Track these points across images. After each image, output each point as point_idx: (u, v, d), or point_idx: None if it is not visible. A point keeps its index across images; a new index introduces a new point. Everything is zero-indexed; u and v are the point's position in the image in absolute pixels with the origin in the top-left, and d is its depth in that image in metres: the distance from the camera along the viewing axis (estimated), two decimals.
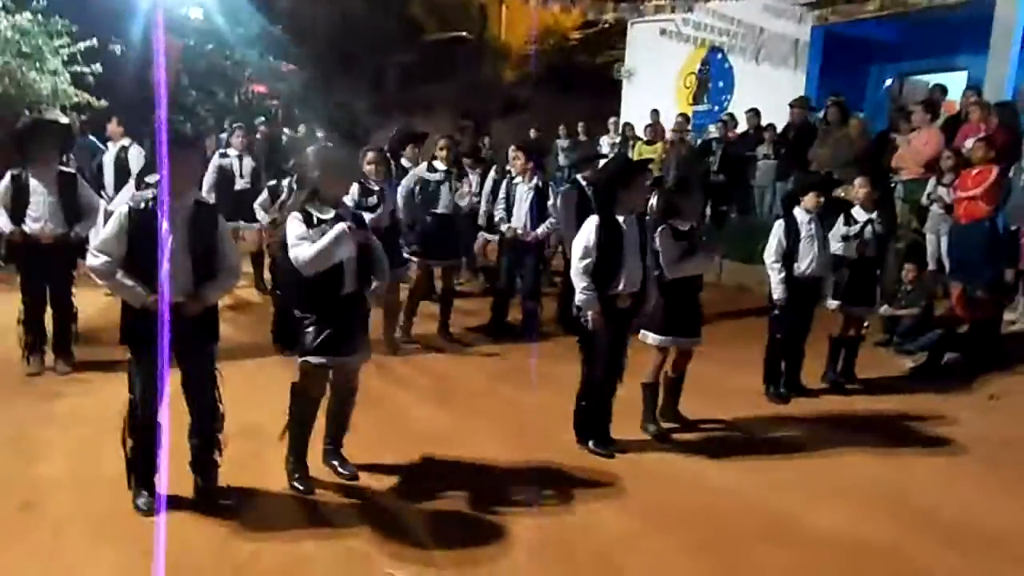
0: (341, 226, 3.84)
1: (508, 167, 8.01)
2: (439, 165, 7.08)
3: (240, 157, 8.76)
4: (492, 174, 8.95)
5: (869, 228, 6.09)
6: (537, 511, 4.01)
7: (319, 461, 4.29)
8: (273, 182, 6.89)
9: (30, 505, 3.85)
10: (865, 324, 6.58)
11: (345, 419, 4.36)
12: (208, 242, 3.82)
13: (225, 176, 8.63)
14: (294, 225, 3.91)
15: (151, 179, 6.46)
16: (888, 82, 13.45)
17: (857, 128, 9.35)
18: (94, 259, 3.68)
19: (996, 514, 4.18)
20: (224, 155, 8.77)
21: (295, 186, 4.05)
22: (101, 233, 3.77)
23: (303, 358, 4.00)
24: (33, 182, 5.67)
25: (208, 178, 8.46)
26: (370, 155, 6.44)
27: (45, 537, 3.58)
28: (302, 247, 3.84)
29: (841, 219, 6.15)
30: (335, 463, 4.33)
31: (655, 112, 13.26)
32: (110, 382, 5.43)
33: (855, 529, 3.95)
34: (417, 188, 6.96)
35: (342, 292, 3.97)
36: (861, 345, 6.51)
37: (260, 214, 6.77)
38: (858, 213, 6.17)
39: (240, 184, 8.62)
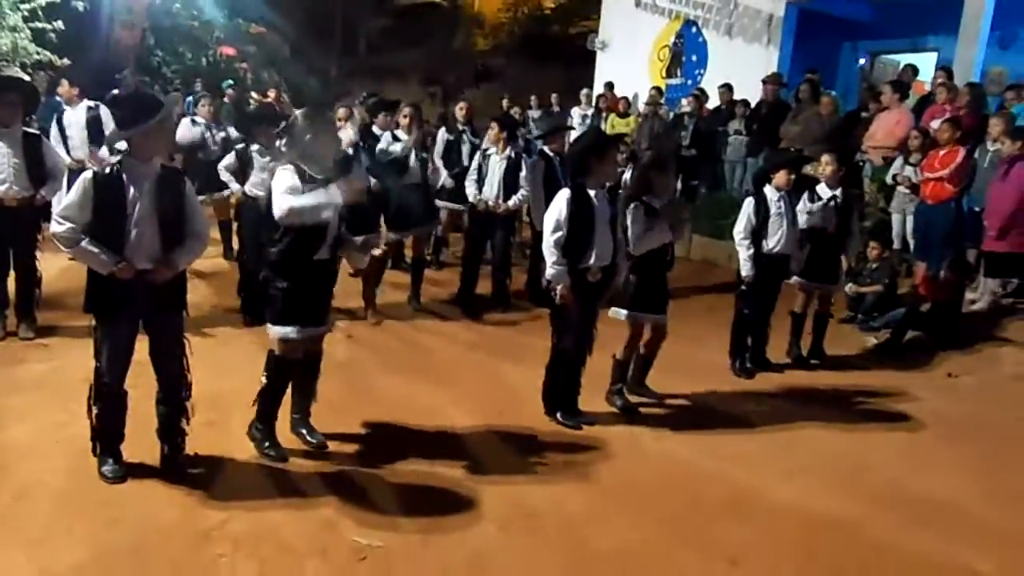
0: (335, 192, 3.86)
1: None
2: (401, 135, 7.03)
3: (209, 127, 8.59)
4: (442, 133, 8.91)
5: (832, 205, 6.15)
6: (504, 482, 4.05)
7: (286, 430, 4.28)
8: (241, 145, 6.74)
9: None
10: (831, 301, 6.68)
11: (313, 387, 4.36)
12: (175, 208, 3.76)
13: (195, 146, 8.46)
14: (285, 176, 3.88)
15: (121, 146, 6.37)
16: (861, 61, 13.53)
17: (828, 106, 9.39)
18: (58, 226, 3.60)
19: (953, 488, 4.29)
20: (195, 123, 8.60)
21: (282, 150, 4.02)
22: (65, 199, 3.69)
23: (278, 327, 3.98)
24: None
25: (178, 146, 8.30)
26: (341, 111, 6.40)
27: (8, 502, 3.55)
28: (292, 197, 3.82)
29: (806, 196, 6.20)
30: (303, 431, 4.33)
31: (608, 84, 13.32)
32: (74, 348, 5.38)
33: (816, 503, 4.04)
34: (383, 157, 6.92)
35: (315, 257, 3.95)
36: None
37: (225, 176, 6.63)
38: (822, 190, 6.23)
39: (212, 154, 8.47)
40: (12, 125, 5.58)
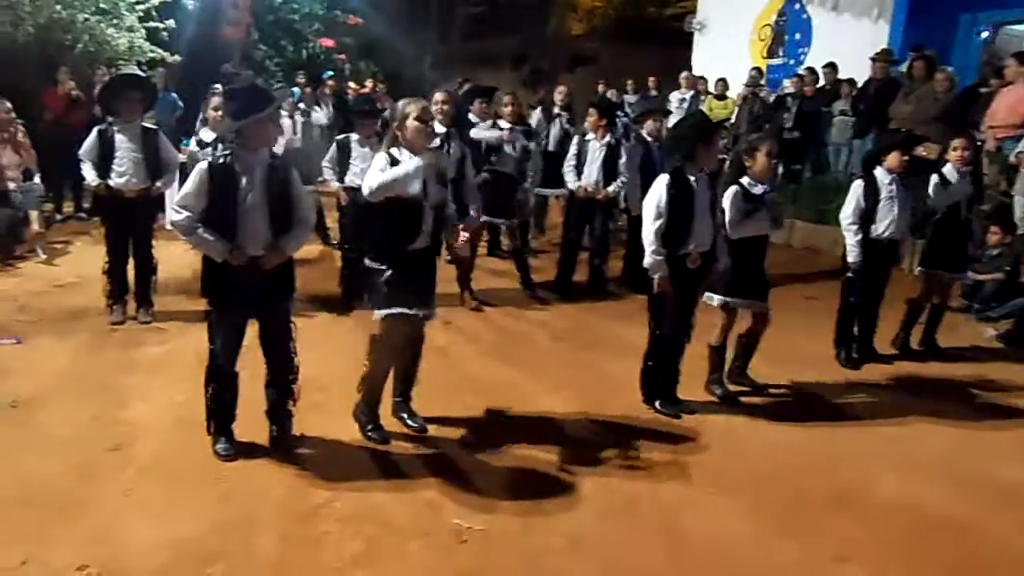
0: (416, 160, 3.91)
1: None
2: (503, 124, 7.05)
3: (291, 116, 8.87)
4: (536, 113, 8.90)
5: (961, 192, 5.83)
6: (603, 469, 4.04)
7: (387, 414, 4.38)
8: (341, 136, 6.89)
9: (120, 446, 4.05)
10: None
11: (413, 372, 4.44)
12: (283, 196, 3.89)
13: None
14: (379, 161, 3.99)
15: (207, 136, 6.63)
16: (984, 34, 12.75)
17: (944, 83, 8.91)
18: (176, 215, 3.78)
19: None
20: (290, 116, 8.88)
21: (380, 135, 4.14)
22: (182, 189, 3.85)
23: (380, 311, 4.06)
24: (119, 137, 5.85)
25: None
26: (438, 95, 6.45)
27: (133, 477, 3.76)
28: (377, 174, 3.92)
29: (935, 181, 5.86)
30: (404, 416, 4.41)
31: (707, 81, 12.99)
32: (187, 331, 5.66)
33: (928, 500, 3.87)
34: (483, 145, 6.97)
35: (414, 246, 4.02)
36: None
37: (328, 172, 6.78)
38: (950, 174, 5.87)
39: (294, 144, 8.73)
40: (133, 121, 5.89)
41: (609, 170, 7.11)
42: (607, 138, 7.14)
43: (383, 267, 4.03)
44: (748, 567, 3.30)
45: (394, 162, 3.96)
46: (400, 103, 4.15)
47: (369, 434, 4.21)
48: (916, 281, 6.10)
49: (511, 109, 7.14)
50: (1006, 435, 4.71)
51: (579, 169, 7.21)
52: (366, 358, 4.22)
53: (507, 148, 7.03)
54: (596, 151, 7.13)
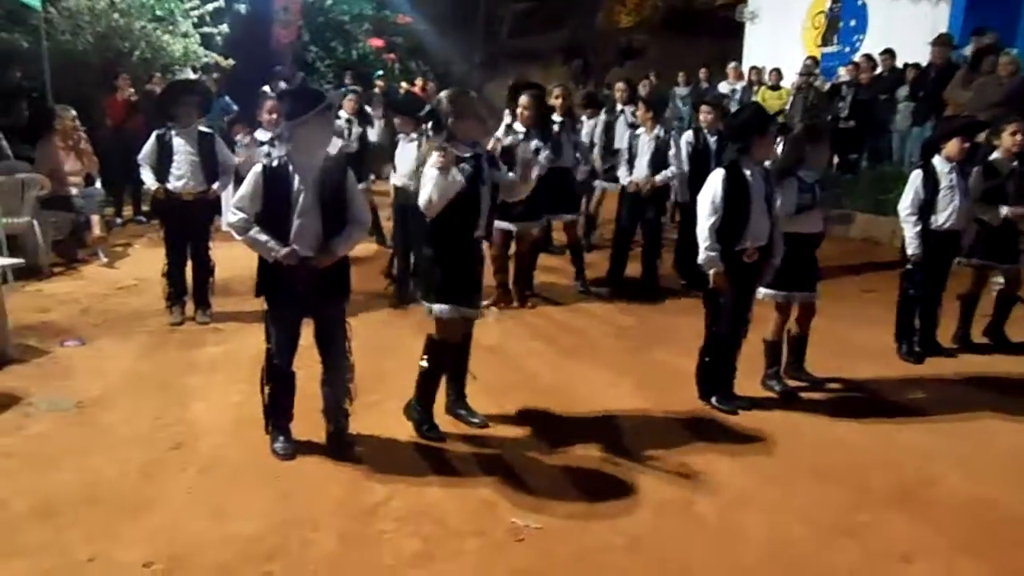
0: (435, 160, 3.85)
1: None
2: (556, 117, 7.02)
3: (349, 121, 8.86)
4: (602, 115, 8.82)
5: (1013, 179, 5.60)
6: (660, 466, 3.99)
7: (439, 410, 4.40)
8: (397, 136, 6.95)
9: (181, 445, 4.14)
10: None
11: (465, 369, 4.46)
12: (338, 197, 3.92)
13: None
14: (431, 162, 3.95)
15: (262, 135, 6.73)
16: None
17: (1008, 66, 8.61)
18: (233, 216, 3.85)
19: None
20: (336, 116, 8.88)
21: (430, 133, 4.11)
22: (239, 191, 3.91)
23: (439, 306, 4.07)
24: (177, 141, 5.97)
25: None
26: (557, 90, 6.50)
27: (194, 475, 3.84)
28: (425, 190, 3.91)
29: (979, 172, 5.66)
30: (463, 412, 4.44)
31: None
32: (244, 332, 5.77)
33: (993, 500, 3.75)
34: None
35: (475, 234, 4.05)
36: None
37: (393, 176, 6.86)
38: (999, 163, 5.66)
39: (347, 147, 8.75)
40: (190, 125, 6.01)
41: (659, 163, 7.04)
42: (656, 130, 7.07)
43: (441, 262, 4.03)
44: (809, 567, 3.23)
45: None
46: (442, 95, 4.14)
47: (425, 433, 4.23)
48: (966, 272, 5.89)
49: (561, 102, 7.10)
50: None
51: (631, 163, 7.15)
52: (423, 357, 4.23)
53: (563, 143, 7.00)
54: (646, 145, 7.07)
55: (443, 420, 4.37)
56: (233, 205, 3.89)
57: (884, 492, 3.81)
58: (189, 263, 6.22)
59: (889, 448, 4.27)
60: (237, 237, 3.90)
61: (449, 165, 3.86)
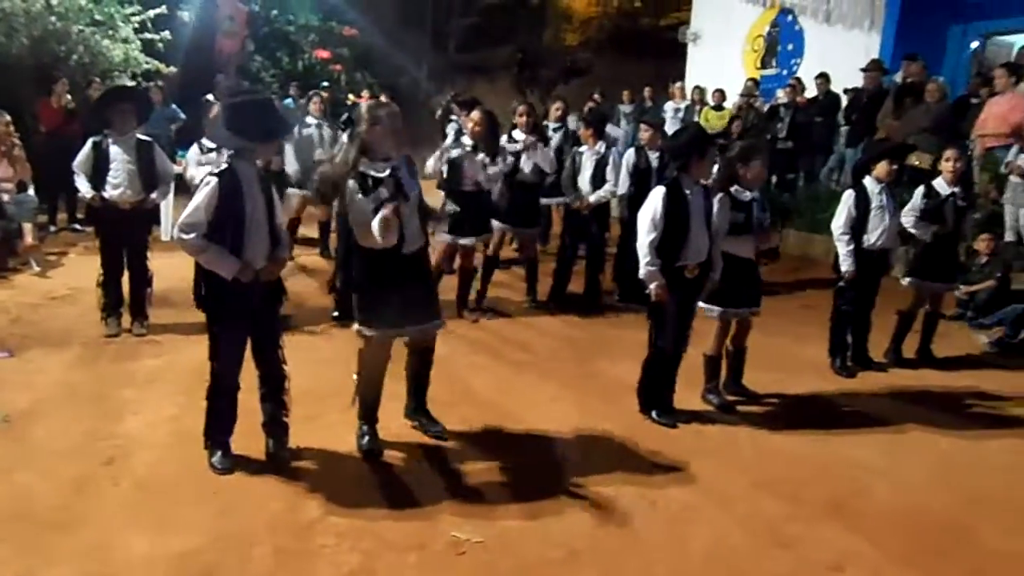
0: (384, 214, 3.74)
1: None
2: (518, 135, 7.09)
3: (319, 126, 8.73)
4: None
5: (949, 203, 5.84)
6: (600, 479, 4.03)
7: (388, 422, 4.37)
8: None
9: (114, 460, 4.03)
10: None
11: (424, 381, 4.45)
12: (273, 207, 3.90)
13: (305, 145, 8.56)
14: (352, 190, 3.85)
15: (210, 143, 6.61)
16: (974, 44, 12.85)
17: (935, 93, 8.98)
18: (185, 235, 3.67)
19: None
20: (306, 124, 8.71)
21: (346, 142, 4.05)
22: (189, 207, 3.73)
23: (361, 327, 4.04)
24: (114, 149, 5.86)
25: (289, 147, 8.39)
26: (474, 113, 6.58)
27: (128, 491, 3.75)
28: (358, 222, 3.85)
29: (920, 192, 5.90)
30: (424, 420, 4.45)
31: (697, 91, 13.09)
32: (183, 344, 5.67)
33: (920, 509, 3.89)
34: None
35: (403, 251, 3.93)
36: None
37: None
38: (940, 186, 5.89)
39: (319, 154, 8.63)
40: (127, 133, 5.89)
41: (600, 180, 7.15)
42: (597, 147, 7.18)
43: (365, 279, 3.99)
44: None
45: (365, 185, 3.83)
46: (361, 105, 4.10)
47: (363, 445, 4.19)
48: (906, 291, 6.10)
49: (526, 120, 7.16)
50: (1000, 443, 4.73)
51: (574, 181, 7.24)
52: (355, 372, 4.22)
53: (525, 158, 7.06)
54: (588, 161, 7.18)
55: (388, 433, 4.33)
56: (184, 222, 3.69)
57: (817, 503, 3.91)
58: (126, 273, 6.08)
59: (823, 460, 4.39)
60: (191, 255, 3.75)
61: (392, 228, 3.78)
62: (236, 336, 3.87)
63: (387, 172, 3.88)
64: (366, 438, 4.21)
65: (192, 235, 3.67)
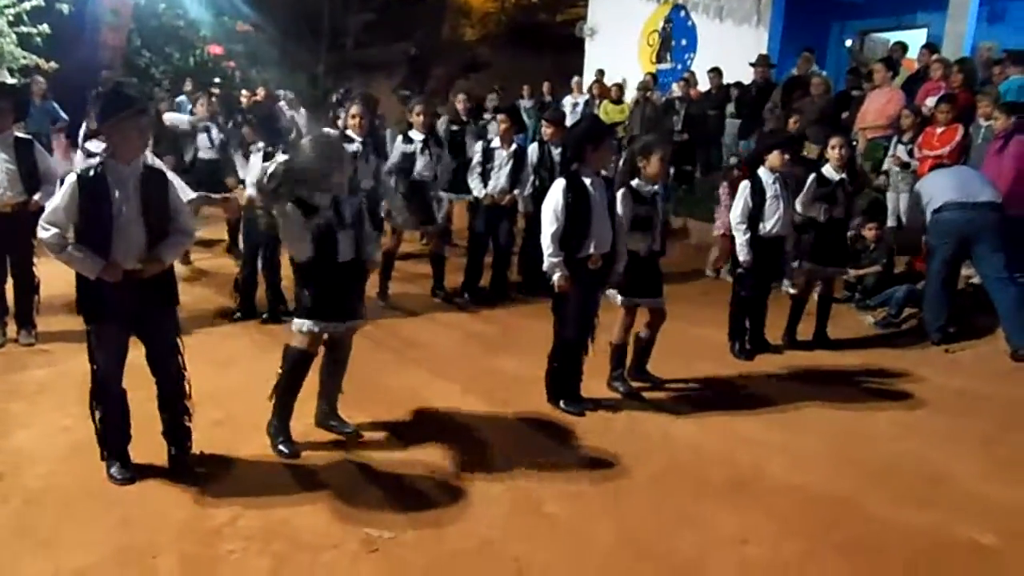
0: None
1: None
2: (415, 135, 7.05)
3: (207, 127, 8.50)
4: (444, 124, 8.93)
5: (840, 189, 6.13)
6: (510, 470, 4.07)
7: (294, 423, 4.30)
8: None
9: (3, 476, 3.83)
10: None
11: (338, 382, 4.42)
12: (160, 206, 3.74)
13: (184, 137, 8.40)
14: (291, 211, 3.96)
15: (94, 147, 6.32)
16: (848, 42, 13.54)
17: (819, 86, 9.41)
18: (44, 232, 3.56)
19: (954, 462, 4.33)
20: (193, 126, 8.50)
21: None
22: (49, 205, 3.64)
23: (301, 321, 4.04)
24: None
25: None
26: (353, 108, 6.48)
27: (19, 507, 3.57)
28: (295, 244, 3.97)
29: (813, 180, 6.15)
30: (334, 423, 4.39)
31: (600, 72, 13.36)
32: (75, 352, 5.34)
33: (819, 481, 4.08)
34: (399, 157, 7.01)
35: (338, 260, 4.03)
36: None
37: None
38: (829, 173, 6.17)
39: (207, 154, 8.40)
40: (4, 131, 5.57)
41: (514, 176, 7.20)
42: (513, 146, 7.23)
43: (305, 278, 4.04)
44: (653, 558, 3.39)
45: (308, 209, 3.96)
46: (304, 143, 4.07)
47: (280, 448, 4.12)
48: (797, 275, 6.37)
49: (424, 119, 7.12)
50: (885, 415, 5.01)
51: (484, 176, 7.26)
52: (280, 368, 4.14)
53: (421, 157, 7.04)
54: (504, 159, 7.20)
55: (300, 433, 4.25)
56: (44, 220, 3.58)
57: (720, 482, 4.06)
58: (10, 280, 5.76)
59: (725, 441, 4.55)
60: (50, 254, 3.64)
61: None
62: (112, 337, 3.71)
63: (329, 201, 3.99)
64: (283, 441, 4.14)
65: (51, 232, 3.56)
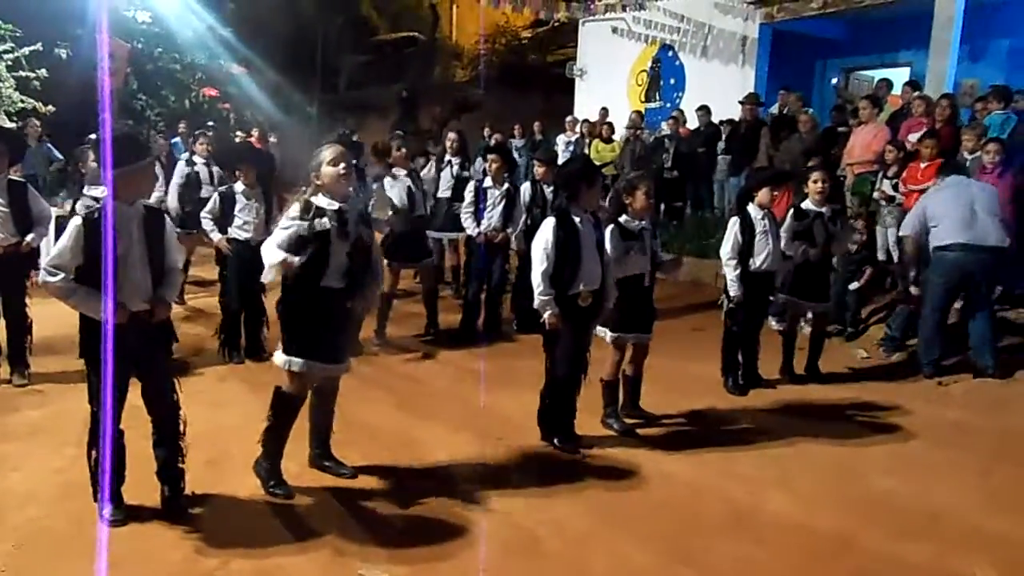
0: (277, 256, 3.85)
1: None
2: (398, 171, 7.13)
3: (207, 164, 8.59)
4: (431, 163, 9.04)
5: (819, 223, 6.19)
6: (505, 507, 4.06)
7: (287, 463, 4.28)
8: (224, 188, 6.68)
9: None
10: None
11: (329, 423, 4.39)
12: (160, 247, 3.80)
13: (191, 184, 8.47)
14: (293, 210, 3.94)
15: (95, 192, 6.37)
16: (833, 80, 13.78)
17: (806, 123, 9.55)
18: (50, 277, 3.57)
19: (948, 496, 4.34)
20: (191, 163, 8.57)
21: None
22: (54, 249, 3.65)
23: (288, 358, 4.00)
24: None
25: (173, 186, 8.46)
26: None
27: (9, 551, 3.53)
28: (269, 249, 3.89)
29: (791, 214, 6.24)
30: (329, 465, 4.37)
31: (604, 110, 13.53)
32: (68, 392, 5.39)
33: (813, 516, 4.07)
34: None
35: (322, 284, 3.96)
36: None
37: (207, 224, 6.52)
38: (808, 207, 6.22)
39: (207, 191, 8.46)
40: None
41: (507, 215, 7.27)
42: (506, 185, 7.31)
43: (293, 312, 3.99)
44: None
45: (308, 210, 3.92)
46: (319, 150, 4.11)
47: (272, 490, 4.09)
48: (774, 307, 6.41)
49: (402, 155, 7.22)
50: (880, 448, 5.02)
51: (476, 215, 7.32)
52: (269, 410, 4.12)
53: (417, 194, 7.13)
54: (496, 198, 7.27)
55: (293, 474, 4.24)
56: (49, 264, 3.59)
57: (717, 518, 4.05)
58: (3, 320, 5.76)
59: (720, 476, 4.54)
60: (58, 298, 3.63)
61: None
62: (115, 378, 3.72)
63: (336, 208, 3.97)
64: (275, 484, 4.10)
65: (58, 277, 3.57)
